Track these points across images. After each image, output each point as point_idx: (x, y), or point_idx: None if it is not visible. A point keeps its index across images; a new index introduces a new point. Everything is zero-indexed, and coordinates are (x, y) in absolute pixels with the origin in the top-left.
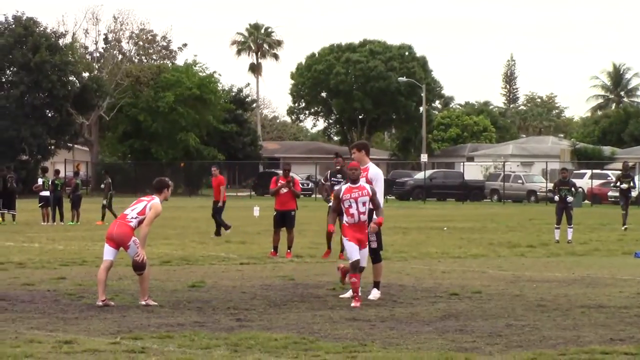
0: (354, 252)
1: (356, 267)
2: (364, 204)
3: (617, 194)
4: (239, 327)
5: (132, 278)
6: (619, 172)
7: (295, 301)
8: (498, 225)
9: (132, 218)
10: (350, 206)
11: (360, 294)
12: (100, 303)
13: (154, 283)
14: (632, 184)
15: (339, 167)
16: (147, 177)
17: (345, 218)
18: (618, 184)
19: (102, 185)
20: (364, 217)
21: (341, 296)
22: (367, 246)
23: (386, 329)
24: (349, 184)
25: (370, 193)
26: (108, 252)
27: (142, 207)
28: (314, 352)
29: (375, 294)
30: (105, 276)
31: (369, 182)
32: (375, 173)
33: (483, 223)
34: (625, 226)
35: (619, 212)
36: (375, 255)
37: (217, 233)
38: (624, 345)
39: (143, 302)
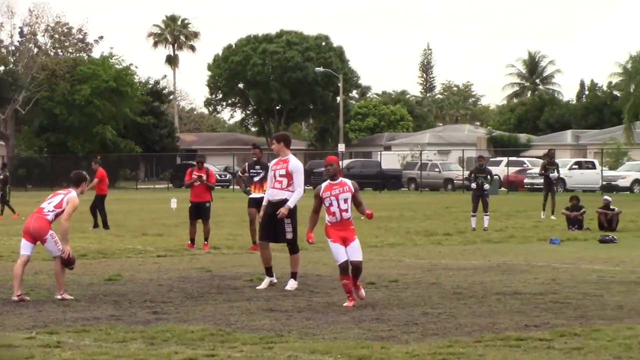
0: (340, 254)
1: (344, 268)
2: (345, 200)
3: (534, 180)
4: (155, 320)
5: (47, 272)
6: (543, 160)
7: (212, 293)
8: (415, 214)
9: (48, 211)
10: (331, 204)
11: (352, 294)
12: (16, 298)
13: (70, 277)
14: (556, 172)
15: (256, 159)
16: (64, 171)
17: (326, 217)
18: (543, 171)
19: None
20: (347, 215)
21: (258, 287)
22: (355, 239)
23: (303, 319)
24: (328, 181)
25: (352, 189)
26: (25, 247)
27: (59, 200)
28: (230, 344)
29: (292, 284)
30: (22, 271)
31: (289, 174)
32: (295, 165)
33: (400, 212)
34: (551, 215)
35: (533, 198)
36: (292, 246)
37: (96, 225)
38: (539, 331)
39: (59, 296)
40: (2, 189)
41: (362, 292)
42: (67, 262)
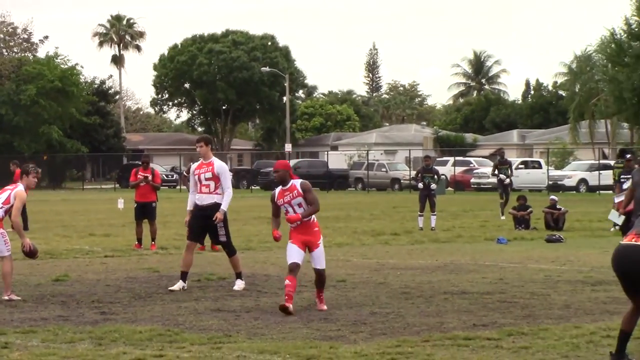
0: (291, 255)
1: (291, 270)
2: (299, 205)
3: (480, 180)
4: (103, 320)
5: None
6: (493, 160)
7: (159, 293)
8: (362, 214)
9: None
10: (287, 211)
11: (291, 297)
12: None
13: (17, 277)
14: (509, 171)
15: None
16: (11, 171)
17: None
18: (496, 172)
19: None
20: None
21: (170, 288)
22: (320, 246)
23: (251, 319)
24: (280, 187)
25: (302, 192)
26: None
27: (7, 196)
28: (179, 344)
29: (239, 284)
30: None
31: (215, 177)
32: (220, 166)
33: (347, 211)
34: (501, 216)
35: (480, 198)
36: (229, 249)
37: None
38: (487, 330)
39: (6, 297)
40: None
41: (323, 306)
42: (30, 254)
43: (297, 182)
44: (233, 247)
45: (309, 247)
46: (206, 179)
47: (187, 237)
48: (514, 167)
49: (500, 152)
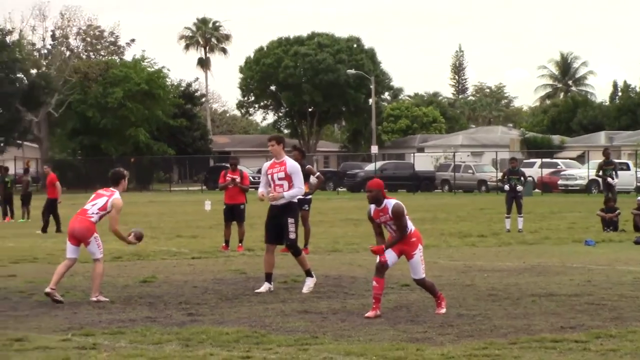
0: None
1: (377, 269)
2: (392, 227)
3: (568, 182)
4: (190, 321)
5: (83, 275)
6: (600, 161)
7: (246, 295)
8: (449, 215)
9: (93, 213)
10: (388, 230)
11: (378, 302)
12: (49, 290)
13: (105, 279)
14: (615, 173)
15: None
16: (98, 173)
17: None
18: (600, 173)
19: None
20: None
21: (256, 290)
22: (414, 256)
23: (338, 321)
24: (374, 206)
25: (391, 216)
26: (71, 250)
27: (104, 202)
28: (265, 346)
29: (308, 282)
30: (64, 271)
31: (288, 176)
32: (292, 166)
33: (434, 213)
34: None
35: (568, 199)
36: (294, 249)
37: (44, 230)
38: (575, 333)
39: (94, 298)
40: (25, 191)
41: (440, 310)
42: (140, 238)
43: (389, 203)
44: (298, 248)
45: (405, 255)
46: (279, 179)
47: (265, 240)
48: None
49: (606, 153)
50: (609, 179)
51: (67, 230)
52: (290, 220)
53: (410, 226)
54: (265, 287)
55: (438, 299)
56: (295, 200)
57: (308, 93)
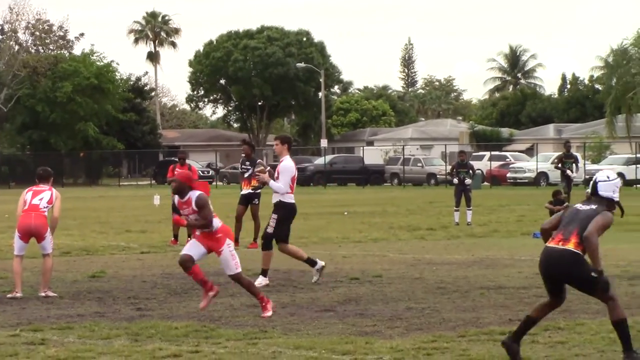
0: (187, 247)
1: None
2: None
3: (517, 175)
4: (139, 316)
5: (31, 270)
6: (560, 153)
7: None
8: (398, 209)
9: (44, 207)
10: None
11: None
12: (20, 294)
13: (53, 274)
14: (575, 166)
15: (244, 155)
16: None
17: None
18: (560, 165)
19: None
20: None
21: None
22: (222, 252)
23: (287, 315)
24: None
25: (196, 209)
26: (21, 248)
27: (49, 196)
28: (214, 340)
29: (261, 281)
30: (21, 270)
31: (278, 174)
32: (283, 165)
33: (383, 207)
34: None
35: (516, 192)
36: (267, 243)
37: None
38: None
39: (43, 294)
40: None
41: (265, 313)
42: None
43: (193, 196)
44: (270, 244)
45: (214, 252)
46: (276, 177)
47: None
48: (549, 161)
49: (567, 146)
50: (568, 171)
51: (19, 227)
52: (274, 215)
53: (217, 222)
54: (264, 281)
55: (261, 301)
56: (287, 201)
57: (258, 87)
